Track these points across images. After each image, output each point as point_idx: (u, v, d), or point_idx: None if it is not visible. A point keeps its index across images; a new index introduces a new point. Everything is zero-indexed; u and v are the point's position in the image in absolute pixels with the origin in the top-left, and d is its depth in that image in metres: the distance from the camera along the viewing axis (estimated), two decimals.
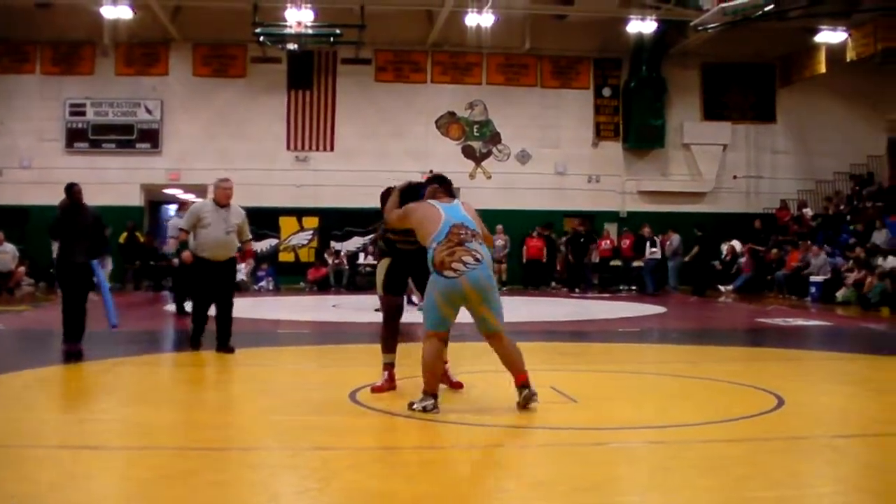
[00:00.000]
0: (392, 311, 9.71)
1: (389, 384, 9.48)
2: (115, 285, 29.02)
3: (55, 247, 13.33)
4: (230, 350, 12.91)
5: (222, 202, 13.19)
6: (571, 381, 9.98)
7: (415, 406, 8.29)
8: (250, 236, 13.86)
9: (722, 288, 29.88)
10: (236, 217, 13.27)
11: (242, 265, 13.96)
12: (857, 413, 8.94)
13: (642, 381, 11.08)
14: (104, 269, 14.80)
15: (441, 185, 9.02)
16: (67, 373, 11.60)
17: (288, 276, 32.08)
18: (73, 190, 13.38)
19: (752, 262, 29.98)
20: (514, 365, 8.44)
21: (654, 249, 31.06)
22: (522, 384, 8.38)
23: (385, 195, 9.63)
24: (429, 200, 8.84)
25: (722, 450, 7.17)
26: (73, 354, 12.48)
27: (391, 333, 9.70)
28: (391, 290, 9.60)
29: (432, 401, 8.29)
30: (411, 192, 9.25)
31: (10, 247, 27.08)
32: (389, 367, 9.60)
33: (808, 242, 28.72)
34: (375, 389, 9.38)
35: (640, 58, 33.85)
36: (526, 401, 8.32)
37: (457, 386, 9.52)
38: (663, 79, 34.26)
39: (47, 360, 12.13)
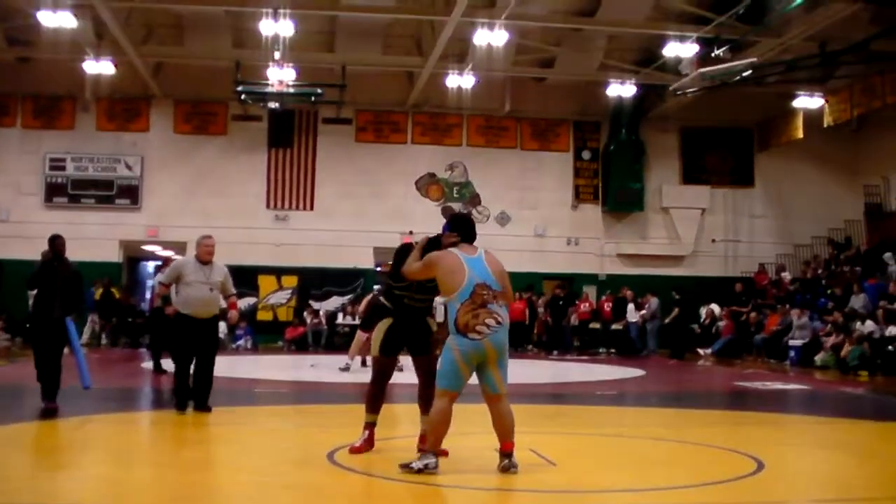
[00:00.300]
0: (384, 371, 9.59)
1: (368, 444, 9.40)
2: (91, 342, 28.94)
3: (31, 299, 13.26)
4: (207, 409, 12.71)
5: (204, 259, 13.00)
6: (550, 444, 9.92)
7: (413, 465, 8.19)
8: (234, 291, 13.57)
9: (701, 351, 29.89)
10: (219, 274, 13.06)
11: (222, 323, 13.77)
12: (837, 477, 8.91)
13: (621, 444, 11.01)
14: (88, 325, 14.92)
15: (463, 233, 8.74)
16: (40, 430, 11.49)
17: (266, 334, 31.96)
18: (55, 242, 13.41)
19: (732, 324, 30.01)
20: (505, 432, 8.36)
21: (643, 312, 31.11)
22: (506, 452, 8.30)
23: (401, 252, 9.36)
24: (452, 250, 8.59)
25: None
26: (49, 411, 12.38)
27: (378, 393, 9.62)
28: (387, 352, 9.46)
29: (434, 459, 8.21)
30: (432, 247, 9.02)
31: None
32: (371, 426, 9.52)
33: (787, 306, 28.78)
34: (354, 450, 9.29)
35: (619, 121, 34.10)
36: (504, 470, 8.24)
37: (442, 454, 9.34)
38: (642, 142, 34.49)
39: (19, 417, 12.05)
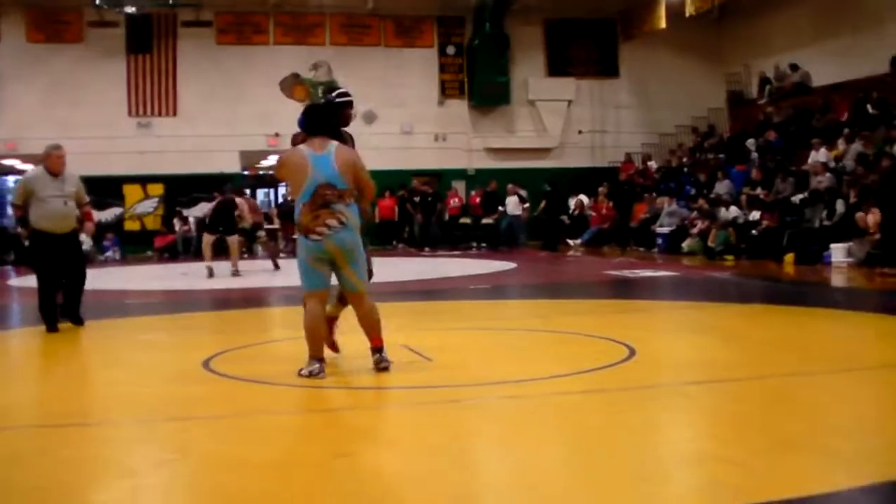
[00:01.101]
0: None
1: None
2: None
3: None
4: (79, 322, 12.41)
5: (56, 171, 12.30)
6: (425, 340, 9.97)
7: (302, 372, 8.11)
8: (88, 199, 12.98)
9: (571, 242, 30.26)
10: (72, 184, 12.43)
11: (84, 235, 13.33)
12: (706, 360, 9.10)
13: (495, 337, 11.12)
14: None
15: (310, 126, 8.47)
16: None
17: (134, 244, 31.55)
18: None
19: (613, 214, 30.35)
20: (371, 329, 8.32)
21: (525, 204, 31.30)
22: (375, 349, 8.29)
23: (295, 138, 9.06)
24: (301, 147, 8.38)
25: (577, 401, 7.23)
26: None
27: None
28: None
29: (317, 365, 8.09)
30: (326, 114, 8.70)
31: None
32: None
33: (654, 195, 29.24)
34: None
35: (482, 15, 34.02)
36: (377, 364, 8.24)
37: (334, 349, 9.14)
38: (507, 36, 34.45)
39: None
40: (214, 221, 21.86)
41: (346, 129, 9.12)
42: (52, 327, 12.11)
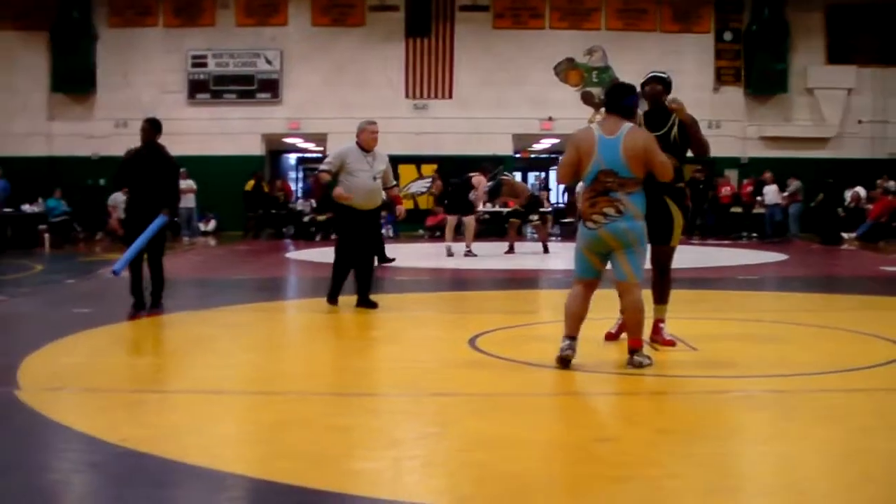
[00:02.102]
0: None
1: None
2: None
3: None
4: (373, 305, 12.19)
5: (369, 146, 12.28)
6: (692, 329, 9.91)
7: (635, 360, 7.95)
8: (395, 182, 13.06)
9: (845, 235, 29.34)
10: (382, 163, 12.37)
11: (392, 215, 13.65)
12: None
13: (762, 328, 10.94)
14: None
15: (608, 104, 8.27)
16: (187, 319, 11.80)
17: (407, 223, 32.26)
18: (142, 128, 12.29)
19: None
20: (630, 326, 8.13)
21: (784, 193, 30.61)
22: (631, 349, 8.04)
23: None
24: (592, 126, 8.30)
25: (843, 399, 7.09)
26: (135, 313, 11.58)
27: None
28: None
29: (567, 342, 7.94)
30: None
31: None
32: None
33: None
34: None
35: (762, 0, 33.22)
36: (628, 363, 7.99)
37: (668, 343, 9.09)
38: (786, 22, 33.57)
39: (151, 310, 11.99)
40: (451, 202, 22.40)
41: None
42: (334, 297, 12.25)
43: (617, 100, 8.18)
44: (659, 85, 9.15)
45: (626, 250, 7.92)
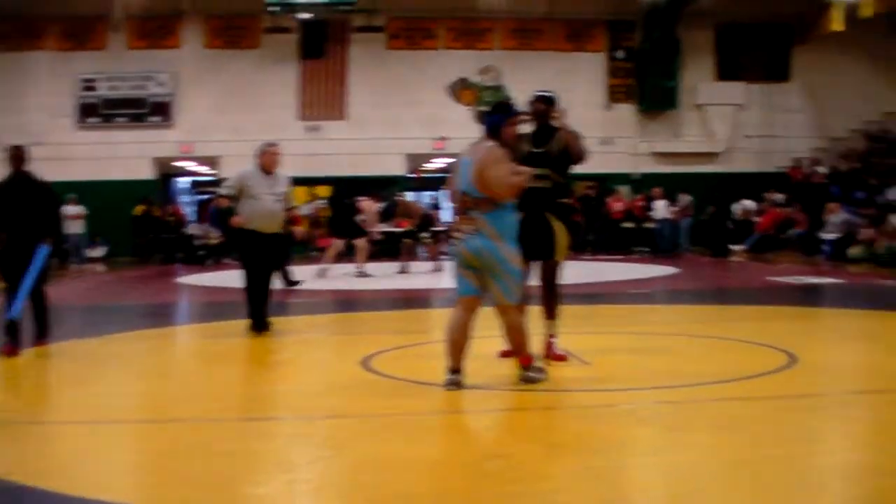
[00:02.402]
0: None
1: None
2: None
3: None
4: (267, 327, 11.98)
5: (270, 169, 11.97)
6: (584, 344, 9.95)
7: (446, 382, 7.88)
8: (295, 203, 12.96)
9: (734, 247, 29.77)
10: (283, 185, 12.10)
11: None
12: (870, 369, 8.92)
13: (655, 341, 11.03)
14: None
15: (487, 127, 8.15)
16: (75, 348, 11.57)
17: (299, 245, 32.08)
18: (10, 154, 10.99)
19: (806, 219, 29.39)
20: (513, 346, 8.11)
21: (674, 207, 31.00)
22: (521, 367, 8.05)
23: None
24: (465, 149, 8.27)
25: (736, 408, 7.17)
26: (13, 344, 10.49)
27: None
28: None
29: (451, 376, 7.88)
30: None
31: None
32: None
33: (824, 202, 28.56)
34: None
35: (654, 19, 33.66)
36: (522, 381, 8.00)
37: (559, 358, 9.11)
38: (677, 40, 34.04)
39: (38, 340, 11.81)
40: (338, 226, 22.66)
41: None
42: (259, 323, 11.90)
43: (488, 122, 8.15)
44: (542, 104, 9.24)
45: (491, 274, 7.82)
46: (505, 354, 9.06)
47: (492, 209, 7.81)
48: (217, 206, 12.78)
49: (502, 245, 7.81)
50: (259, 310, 11.96)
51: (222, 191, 12.34)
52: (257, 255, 11.92)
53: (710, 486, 5.25)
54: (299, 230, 13.18)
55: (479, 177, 7.81)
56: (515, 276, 7.94)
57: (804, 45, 34.50)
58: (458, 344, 7.91)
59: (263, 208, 11.80)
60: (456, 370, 7.91)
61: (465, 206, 7.88)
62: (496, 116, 8.13)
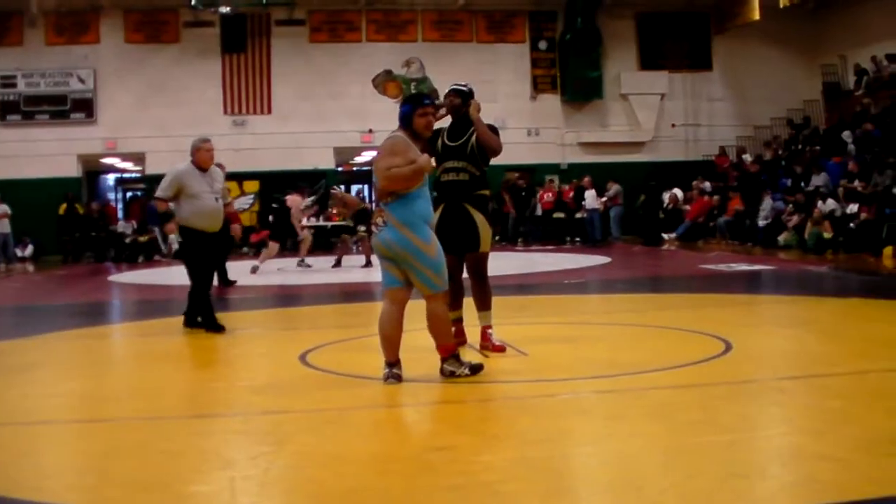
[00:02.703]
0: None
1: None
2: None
3: None
4: (196, 325, 11.70)
5: (206, 165, 11.59)
6: (520, 334, 9.98)
7: (385, 376, 7.89)
8: (230, 198, 12.60)
9: (665, 236, 30.04)
10: (219, 180, 11.75)
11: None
12: (803, 355, 9.03)
13: (590, 331, 11.09)
14: None
15: (400, 116, 8.08)
16: (4, 349, 11.40)
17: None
18: None
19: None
20: (434, 335, 8.04)
21: (603, 198, 31.18)
22: (441, 357, 8.02)
23: None
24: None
25: (672, 396, 7.21)
26: None
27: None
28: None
29: (388, 369, 7.89)
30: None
31: None
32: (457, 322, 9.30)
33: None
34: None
35: (574, 10, 33.95)
36: (443, 374, 7.98)
37: (498, 349, 9.10)
38: (599, 30, 34.33)
39: None
40: (275, 228, 22.88)
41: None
42: (214, 325, 11.54)
43: (400, 115, 8.10)
44: (457, 98, 9.25)
45: (408, 265, 7.79)
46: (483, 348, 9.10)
47: (395, 199, 7.78)
48: (156, 208, 12.10)
49: (412, 235, 7.74)
50: (210, 310, 11.65)
51: (159, 193, 11.62)
52: (205, 255, 11.57)
53: (651, 474, 5.27)
54: (236, 228, 12.75)
55: (375, 167, 7.85)
56: (433, 266, 7.83)
57: (724, 34, 34.90)
58: (390, 338, 7.88)
59: (205, 207, 11.40)
60: (392, 363, 7.89)
61: (378, 197, 7.91)
62: (406, 107, 8.06)
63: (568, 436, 6.28)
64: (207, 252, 11.57)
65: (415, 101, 8.14)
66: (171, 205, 11.52)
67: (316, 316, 14.49)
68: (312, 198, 23.40)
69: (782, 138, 33.72)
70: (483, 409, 7.31)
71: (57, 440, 6.72)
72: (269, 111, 33.15)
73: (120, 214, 35.32)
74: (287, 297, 17.65)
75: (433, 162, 8.72)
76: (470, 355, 8.56)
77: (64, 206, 30.54)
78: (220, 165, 12.51)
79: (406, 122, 7.98)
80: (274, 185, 32.10)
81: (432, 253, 7.83)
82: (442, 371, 7.96)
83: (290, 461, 5.82)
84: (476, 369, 8.02)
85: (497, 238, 32.00)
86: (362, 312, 14.12)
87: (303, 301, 16.81)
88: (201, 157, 11.55)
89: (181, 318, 11.90)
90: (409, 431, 6.74)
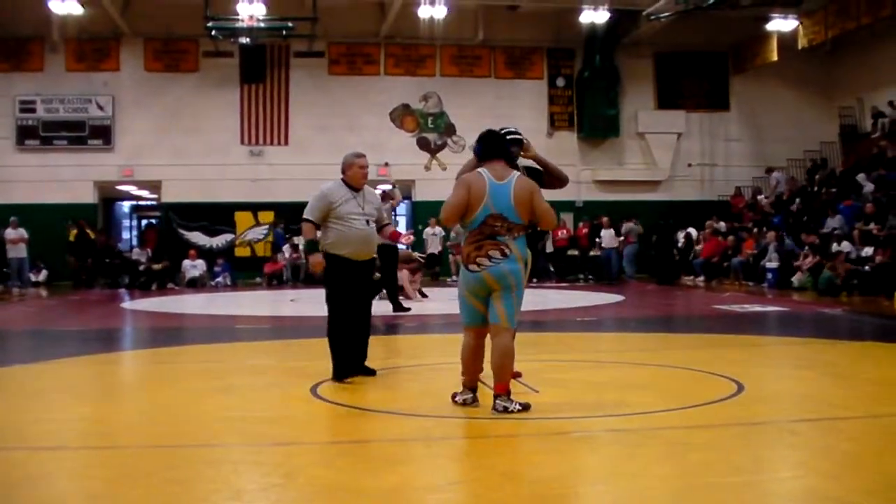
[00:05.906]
0: None
1: None
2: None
3: None
4: (370, 372, 10.22)
5: (359, 184, 10.15)
6: (531, 372, 9.94)
7: (457, 399, 8.24)
8: (389, 220, 11.39)
9: (687, 278, 29.90)
10: (373, 202, 10.32)
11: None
12: (816, 397, 8.98)
13: (602, 369, 11.07)
14: None
15: (487, 151, 8.25)
16: (17, 374, 11.41)
17: (244, 271, 31.94)
18: None
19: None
20: (496, 370, 8.05)
21: (620, 238, 31.10)
22: (496, 394, 8.03)
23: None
24: (482, 171, 8.13)
25: (683, 436, 7.18)
26: None
27: None
28: None
29: (470, 395, 8.20)
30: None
31: None
32: None
33: (764, 229, 28.85)
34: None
35: (593, 48, 33.99)
36: (493, 408, 7.98)
37: (514, 375, 8.87)
38: (616, 68, 34.42)
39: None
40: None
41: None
42: (341, 375, 9.84)
43: (501, 146, 8.34)
44: (515, 147, 9.19)
45: (504, 293, 7.97)
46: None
47: (521, 234, 8.09)
48: (303, 235, 10.45)
49: (524, 270, 8.18)
50: (361, 350, 10.29)
51: (307, 214, 10.09)
52: (348, 287, 9.97)
53: None
54: (403, 251, 10.58)
55: (523, 204, 8.03)
56: (521, 303, 8.18)
57: (742, 74, 34.95)
58: (472, 369, 8.24)
59: (352, 232, 9.94)
60: (473, 388, 8.28)
61: (495, 230, 7.96)
62: (515, 146, 8.77)
63: (580, 474, 6.27)
64: (352, 283, 9.98)
65: (518, 143, 9.01)
66: (319, 232, 10.14)
67: (327, 347, 14.43)
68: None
69: (798, 180, 33.69)
70: (495, 445, 7.28)
71: (67, 466, 6.71)
72: (287, 142, 33.23)
73: (134, 242, 35.40)
74: (298, 329, 17.56)
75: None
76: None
77: (75, 231, 30.54)
78: (393, 186, 11.50)
79: (515, 158, 8.83)
80: (289, 215, 32.22)
81: (523, 291, 8.17)
82: (495, 407, 7.97)
83: (299, 494, 5.81)
84: (526, 407, 8.03)
85: None
86: (374, 345, 14.12)
87: (315, 333, 16.70)
88: (354, 175, 10.14)
89: (194, 347, 11.86)
90: (421, 466, 6.70)
